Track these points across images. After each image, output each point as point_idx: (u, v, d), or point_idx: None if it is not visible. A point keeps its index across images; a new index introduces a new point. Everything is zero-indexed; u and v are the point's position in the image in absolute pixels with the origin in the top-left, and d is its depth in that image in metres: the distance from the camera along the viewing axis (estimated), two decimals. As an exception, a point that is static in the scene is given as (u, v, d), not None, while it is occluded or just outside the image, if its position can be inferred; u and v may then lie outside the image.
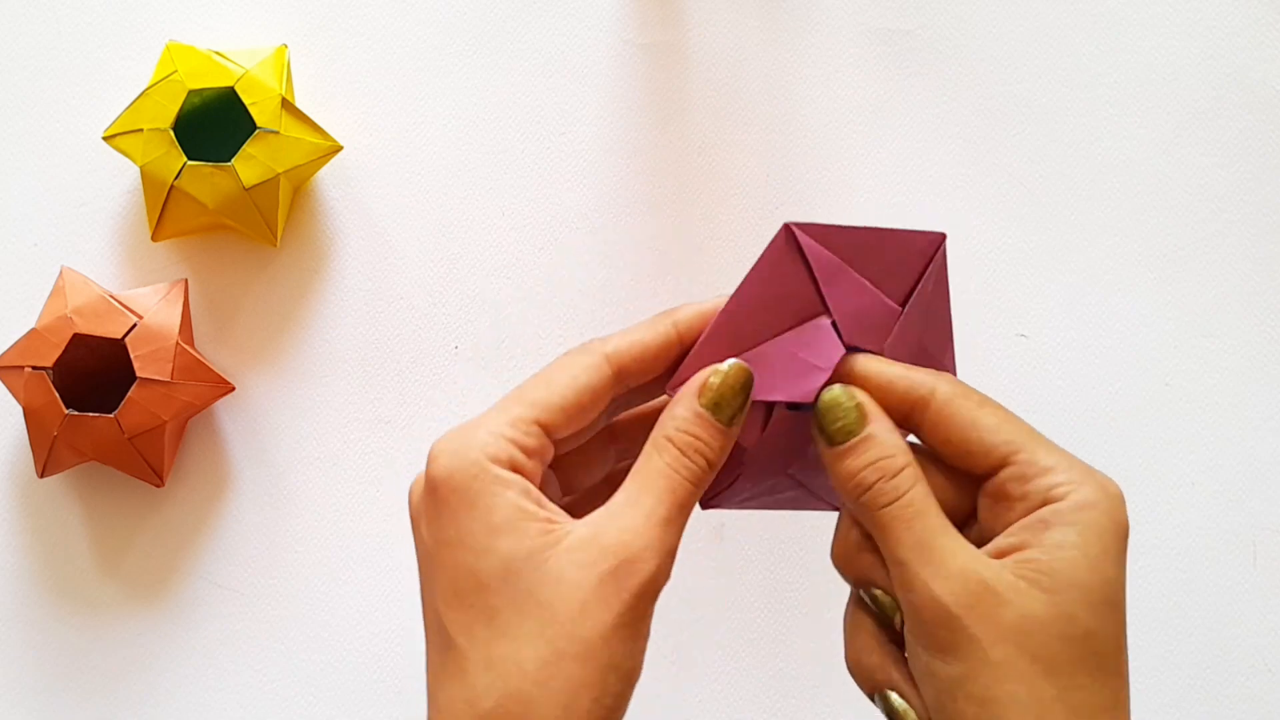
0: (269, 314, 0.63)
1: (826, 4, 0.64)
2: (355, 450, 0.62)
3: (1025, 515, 0.36)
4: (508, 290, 0.63)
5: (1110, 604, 0.35)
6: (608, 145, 0.64)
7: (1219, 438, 0.62)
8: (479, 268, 0.63)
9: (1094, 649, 0.35)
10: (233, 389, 0.60)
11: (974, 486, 0.38)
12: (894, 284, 0.39)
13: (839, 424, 0.38)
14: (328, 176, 0.63)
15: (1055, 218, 0.63)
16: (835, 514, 0.40)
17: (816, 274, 0.38)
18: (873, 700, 0.38)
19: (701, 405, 0.38)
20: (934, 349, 0.41)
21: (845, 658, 0.39)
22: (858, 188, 0.63)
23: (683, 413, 0.38)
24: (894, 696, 0.37)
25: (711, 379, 0.38)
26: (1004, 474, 0.37)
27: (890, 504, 0.37)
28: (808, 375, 0.38)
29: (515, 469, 0.37)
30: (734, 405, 0.38)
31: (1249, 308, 0.63)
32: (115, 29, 0.64)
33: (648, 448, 0.38)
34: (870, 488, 0.37)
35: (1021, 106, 0.64)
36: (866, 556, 0.38)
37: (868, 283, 0.39)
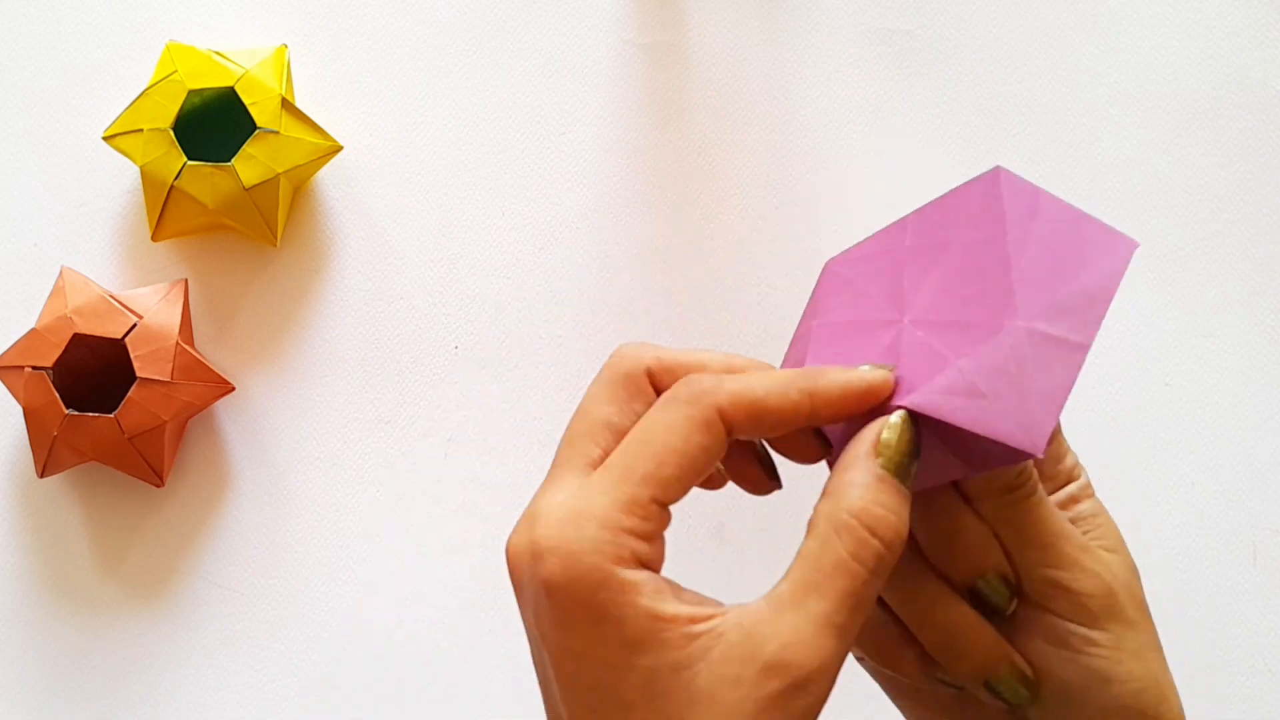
0: (269, 314, 0.63)
1: (826, 4, 0.64)
2: (355, 450, 0.62)
3: (1054, 490, 0.39)
4: (508, 290, 0.63)
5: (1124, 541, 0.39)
6: (608, 145, 0.64)
7: (1219, 438, 0.62)
8: (479, 268, 0.63)
9: (1141, 597, 0.38)
10: (233, 389, 0.60)
11: None
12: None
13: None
14: (328, 176, 0.63)
15: (1055, 218, 0.63)
16: None
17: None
18: (979, 687, 0.36)
19: (883, 468, 0.32)
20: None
21: (939, 652, 0.37)
22: (858, 188, 0.63)
23: (862, 478, 0.32)
24: (1007, 672, 0.37)
25: (888, 434, 0.32)
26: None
27: (1033, 494, 0.37)
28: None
29: (640, 564, 0.31)
30: (913, 461, 0.33)
31: (1249, 308, 0.63)
32: (115, 29, 0.64)
33: (822, 527, 0.32)
34: (1021, 486, 0.36)
35: (1021, 106, 0.64)
36: (996, 546, 0.36)
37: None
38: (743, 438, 0.33)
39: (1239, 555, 0.61)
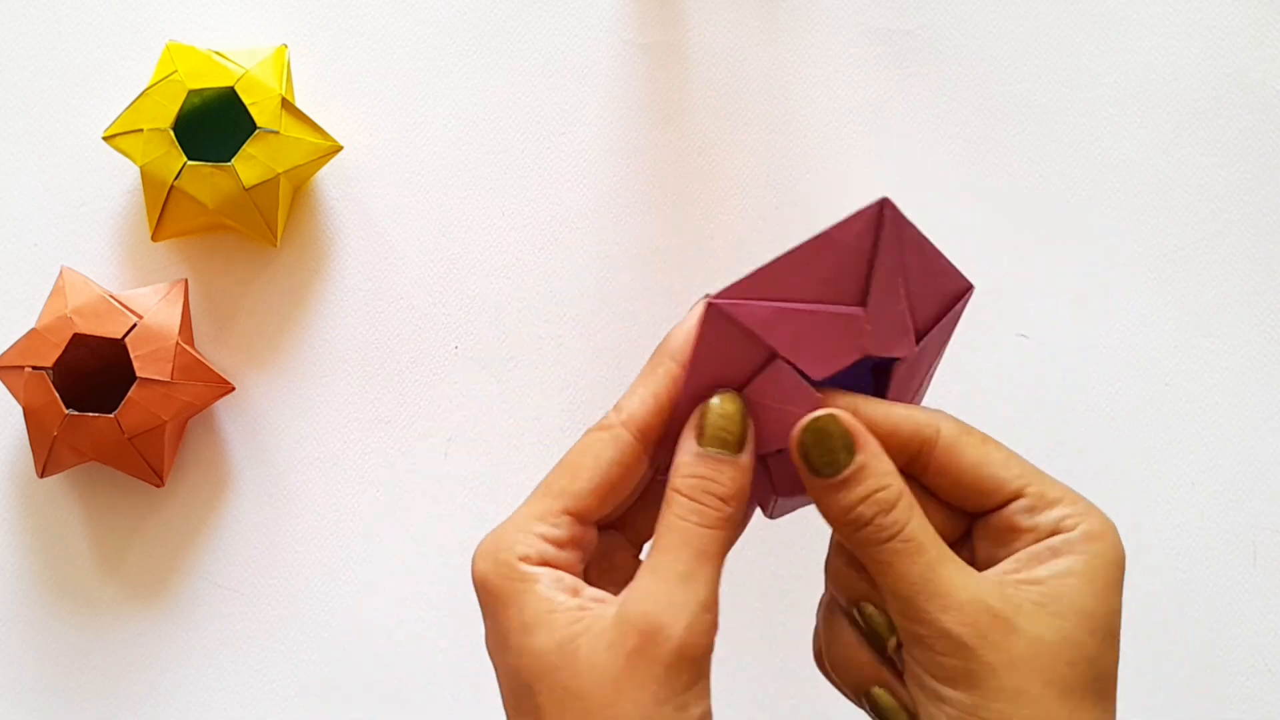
0: (269, 314, 0.63)
1: (826, 4, 0.64)
2: (355, 450, 0.62)
3: (1033, 544, 0.36)
4: (508, 290, 0.63)
5: (1112, 633, 0.36)
6: (608, 145, 0.64)
7: (1219, 438, 0.62)
8: (479, 268, 0.63)
9: (1096, 674, 0.35)
10: (233, 389, 0.60)
11: (964, 516, 0.38)
12: (851, 292, 0.37)
13: (829, 455, 0.36)
14: (328, 176, 0.63)
15: (1055, 218, 0.63)
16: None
17: (755, 331, 0.36)
18: (858, 701, 0.38)
19: (702, 446, 0.36)
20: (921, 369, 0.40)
21: (824, 657, 0.38)
22: (858, 188, 0.63)
23: (684, 458, 0.36)
24: (883, 694, 0.37)
25: (706, 417, 0.36)
26: (1013, 506, 0.36)
27: (890, 540, 0.35)
28: (789, 422, 0.36)
29: (545, 563, 0.35)
30: (735, 433, 0.36)
31: (1249, 308, 0.63)
32: (115, 29, 0.64)
33: (662, 507, 0.36)
34: (868, 524, 0.35)
35: (1021, 106, 0.64)
36: (857, 577, 0.37)
37: (814, 306, 0.37)
38: (660, 432, 0.37)
39: (1239, 555, 0.61)
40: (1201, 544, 0.61)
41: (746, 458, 0.36)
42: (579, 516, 0.36)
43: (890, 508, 0.35)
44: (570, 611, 0.35)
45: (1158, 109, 0.64)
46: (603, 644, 0.34)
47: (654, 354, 0.38)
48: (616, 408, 0.37)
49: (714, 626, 0.35)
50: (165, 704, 0.61)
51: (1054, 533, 0.36)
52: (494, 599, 0.36)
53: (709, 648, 0.35)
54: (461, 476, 0.62)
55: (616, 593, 0.36)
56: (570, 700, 0.34)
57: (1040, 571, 0.35)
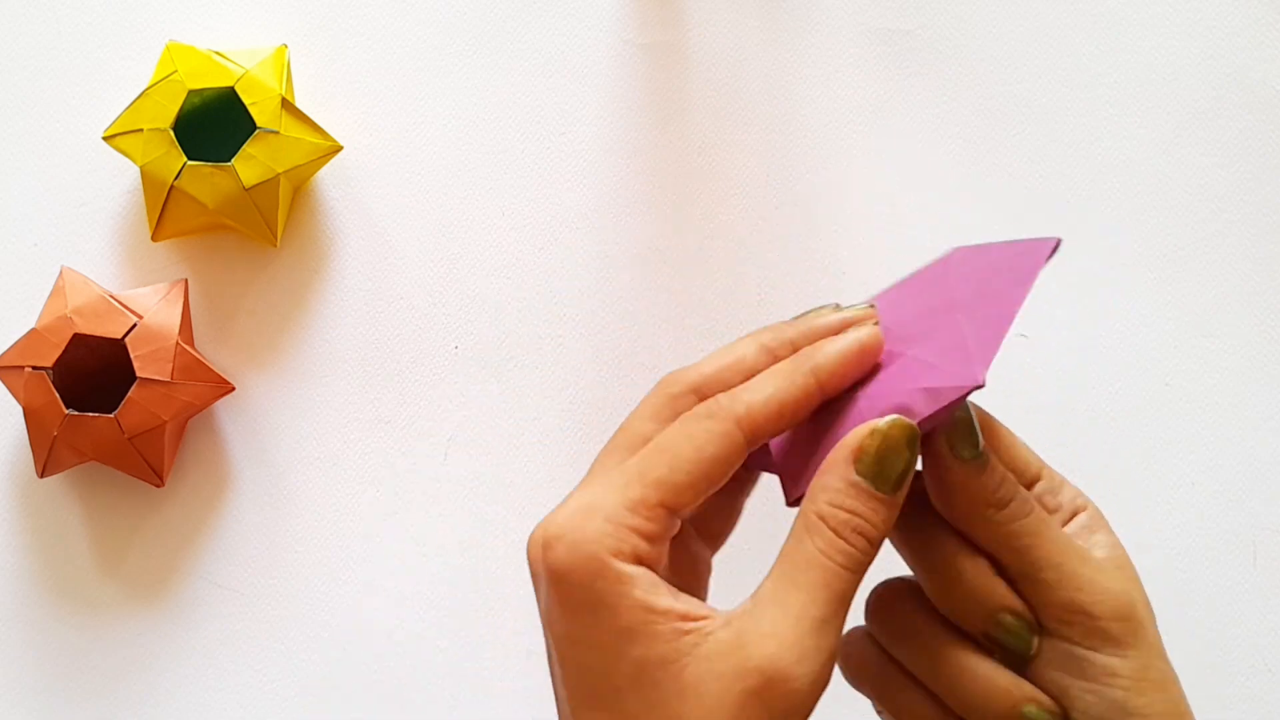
0: (269, 314, 0.63)
1: (826, 4, 0.64)
2: (355, 450, 0.62)
3: (1065, 522, 0.37)
4: (508, 290, 0.63)
5: None
6: (608, 145, 0.64)
7: (1219, 438, 0.62)
8: (479, 268, 0.63)
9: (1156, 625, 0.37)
10: (233, 389, 0.60)
11: None
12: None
13: (971, 439, 0.35)
14: (328, 176, 0.63)
15: (1055, 218, 0.63)
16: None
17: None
18: None
19: (859, 474, 0.33)
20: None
21: (959, 706, 0.36)
22: (858, 188, 0.63)
23: (836, 483, 0.33)
24: (1037, 711, 0.35)
25: (868, 441, 0.34)
26: (1038, 488, 0.38)
27: (1031, 513, 0.36)
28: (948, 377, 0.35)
29: (639, 560, 0.33)
30: (898, 469, 0.34)
31: (1249, 308, 0.63)
32: (115, 29, 0.64)
33: (798, 527, 0.34)
34: (1011, 500, 0.35)
35: (1021, 106, 0.64)
36: (1000, 582, 0.36)
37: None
38: (768, 439, 0.34)
39: (1239, 555, 0.61)
40: (1201, 544, 0.61)
41: (900, 499, 0.34)
42: (672, 510, 0.34)
43: (1019, 486, 0.36)
44: (674, 622, 0.32)
45: (1158, 109, 0.64)
46: (714, 672, 0.32)
47: (796, 357, 0.36)
48: (732, 396, 0.34)
49: (829, 680, 0.33)
50: (165, 704, 0.61)
51: (1075, 510, 0.38)
52: (581, 595, 0.33)
53: (819, 698, 0.33)
54: (461, 476, 0.62)
55: (682, 586, 0.35)
56: (792, 712, 0.32)
57: (1099, 547, 0.37)
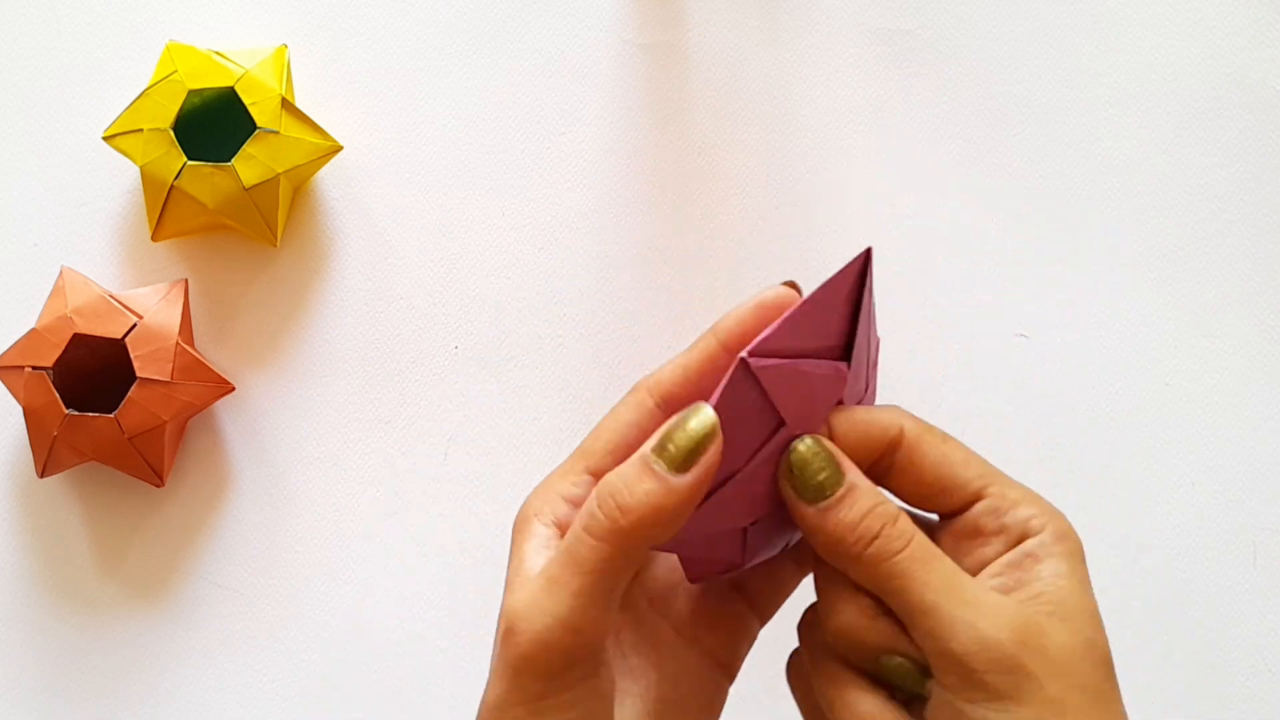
0: (269, 314, 0.63)
1: (826, 4, 0.64)
2: (355, 450, 0.62)
3: (1004, 549, 0.35)
4: (508, 290, 0.63)
5: (1103, 627, 0.35)
6: (608, 145, 0.64)
7: (1219, 438, 0.62)
8: (479, 268, 0.63)
9: (1111, 673, 0.34)
10: (233, 389, 0.60)
11: (928, 528, 0.37)
12: (833, 337, 0.36)
13: (820, 477, 0.35)
14: (328, 176, 0.63)
15: (1055, 217, 0.63)
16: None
17: (774, 400, 0.35)
18: None
19: (651, 450, 0.34)
20: (867, 378, 0.39)
21: None
22: (858, 188, 0.63)
23: (633, 458, 0.34)
24: None
25: (668, 428, 0.34)
26: (977, 509, 0.35)
27: (904, 549, 0.34)
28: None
29: (558, 523, 0.36)
30: (683, 449, 0.34)
31: (1249, 308, 0.63)
32: (115, 29, 0.64)
33: None
34: (877, 536, 0.34)
35: (1021, 106, 0.64)
36: (882, 623, 0.35)
37: (816, 362, 0.36)
38: (681, 404, 0.35)
39: (1239, 555, 0.61)
40: (1201, 544, 0.61)
41: (681, 481, 0.33)
42: (597, 476, 0.36)
43: (895, 518, 0.35)
44: (525, 574, 0.35)
45: (1158, 109, 0.64)
46: (500, 613, 0.35)
47: (704, 333, 0.37)
48: (651, 375, 0.37)
49: (571, 643, 0.33)
50: (165, 704, 0.61)
51: (1023, 535, 0.35)
52: (511, 545, 0.37)
53: (563, 664, 0.34)
54: (461, 476, 0.62)
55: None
56: (518, 661, 0.34)
57: (1031, 580, 0.34)
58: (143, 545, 0.62)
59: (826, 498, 0.35)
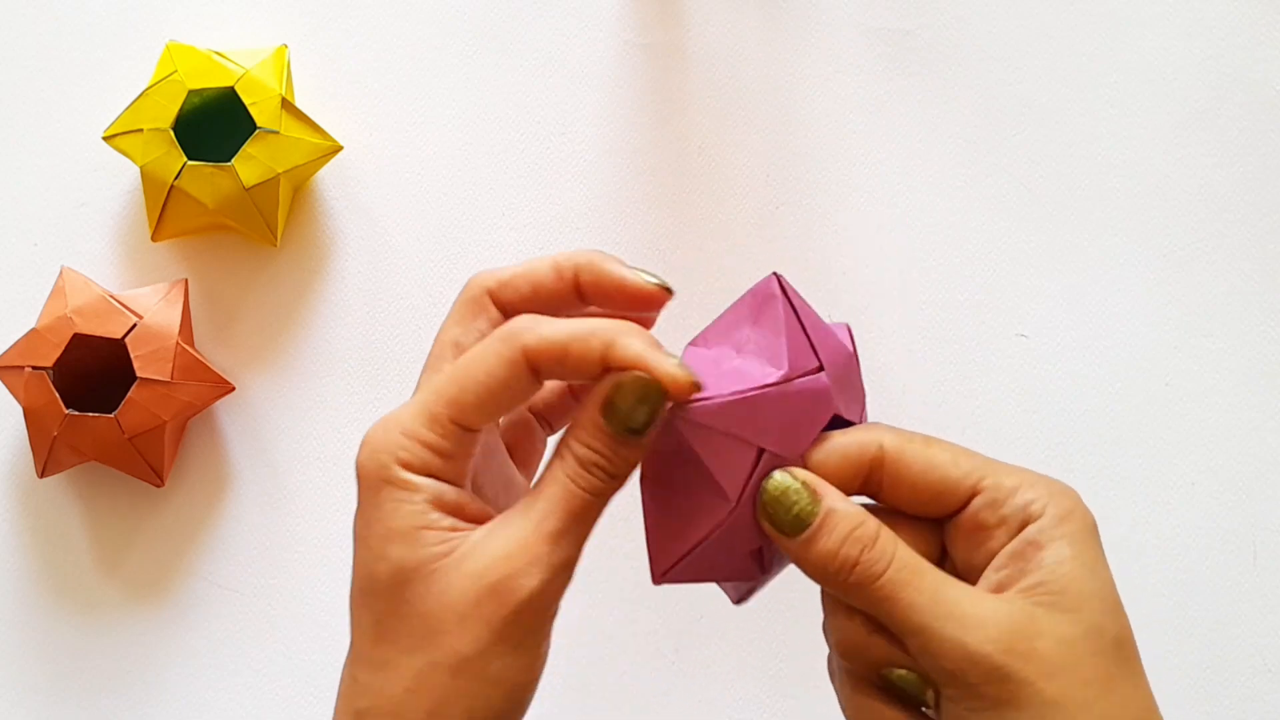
0: (269, 314, 0.63)
1: (826, 4, 0.64)
2: (355, 450, 0.62)
3: (1008, 539, 0.35)
4: (508, 290, 0.63)
5: (1118, 603, 0.35)
6: (608, 145, 0.64)
7: (1219, 438, 0.62)
8: (479, 268, 0.63)
9: (1124, 654, 0.34)
10: (233, 389, 0.60)
11: (936, 530, 0.37)
12: (769, 354, 0.37)
13: (794, 510, 0.35)
14: (328, 176, 0.63)
15: (1055, 218, 0.63)
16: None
17: (741, 434, 0.36)
18: None
19: (601, 415, 0.35)
20: (852, 398, 0.39)
21: None
22: (858, 188, 0.63)
23: (585, 423, 0.36)
24: None
25: (609, 389, 0.35)
26: (975, 504, 0.35)
27: (885, 571, 0.34)
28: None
29: (428, 472, 0.36)
30: (635, 418, 0.35)
31: (1249, 308, 0.63)
32: (115, 29, 0.64)
33: (552, 457, 0.36)
34: (857, 563, 0.34)
35: (1021, 106, 0.64)
36: (879, 639, 0.35)
37: (784, 386, 0.36)
38: (550, 378, 0.36)
39: (1239, 555, 0.61)
40: (1201, 544, 0.61)
41: (641, 442, 0.36)
42: (466, 428, 0.36)
43: (873, 541, 0.35)
44: (441, 532, 0.35)
45: (1158, 109, 0.64)
46: (460, 573, 0.35)
47: (595, 321, 0.37)
48: (531, 324, 0.36)
49: (566, 586, 0.36)
50: (165, 704, 0.61)
51: (1024, 522, 0.35)
52: (368, 495, 0.37)
53: (557, 604, 0.36)
54: (461, 476, 0.62)
55: (527, 475, 0.39)
56: (414, 617, 0.35)
57: (1033, 570, 0.34)
58: (143, 545, 0.62)
59: (806, 527, 0.35)
